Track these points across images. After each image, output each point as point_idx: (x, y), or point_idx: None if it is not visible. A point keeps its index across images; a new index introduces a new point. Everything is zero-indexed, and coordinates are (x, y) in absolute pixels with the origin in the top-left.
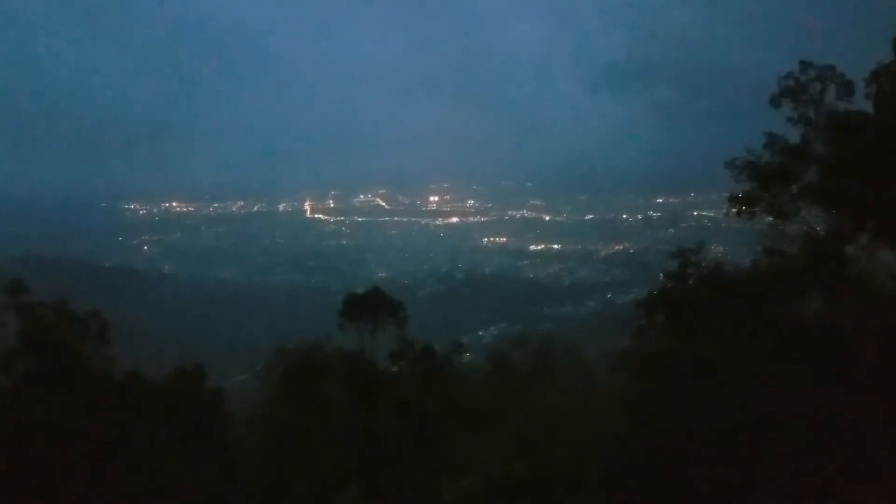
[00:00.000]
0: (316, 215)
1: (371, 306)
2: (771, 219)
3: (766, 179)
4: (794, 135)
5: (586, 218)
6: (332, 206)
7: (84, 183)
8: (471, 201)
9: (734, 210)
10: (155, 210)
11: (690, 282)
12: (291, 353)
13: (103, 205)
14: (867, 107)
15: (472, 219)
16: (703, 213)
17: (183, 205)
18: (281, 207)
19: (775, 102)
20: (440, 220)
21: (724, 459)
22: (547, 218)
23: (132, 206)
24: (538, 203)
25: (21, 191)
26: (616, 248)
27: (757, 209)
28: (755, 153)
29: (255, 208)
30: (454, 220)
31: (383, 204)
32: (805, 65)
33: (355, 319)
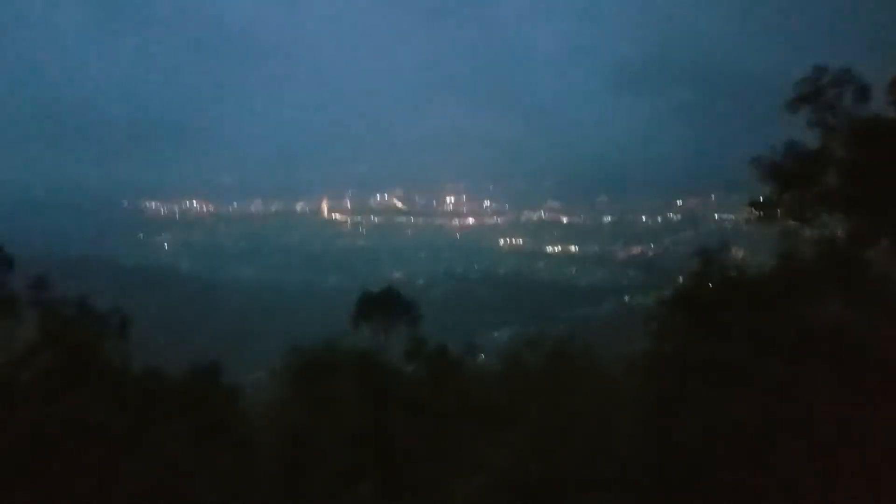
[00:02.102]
0: (333, 215)
1: (385, 306)
2: (791, 222)
3: (787, 182)
4: (813, 139)
5: (604, 220)
6: (348, 206)
7: (105, 181)
8: (487, 202)
9: (755, 214)
10: (175, 209)
11: (711, 283)
12: (306, 351)
13: (124, 203)
14: (885, 109)
15: (488, 220)
16: (723, 216)
17: (202, 204)
18: (298, 207)
19: (792, 107)
20: (456, 220)
21: (741, 463)
22: (564, 219)
23: (152, 205)
24: (555, 204)
25: (42, 189)
26: (634, 250)
27: (778, 211)
28: (779, 154)
29: (273, 208)
30: (470, 220)
31: (400, 204)
32: (819, 69)
33: (369, 319)
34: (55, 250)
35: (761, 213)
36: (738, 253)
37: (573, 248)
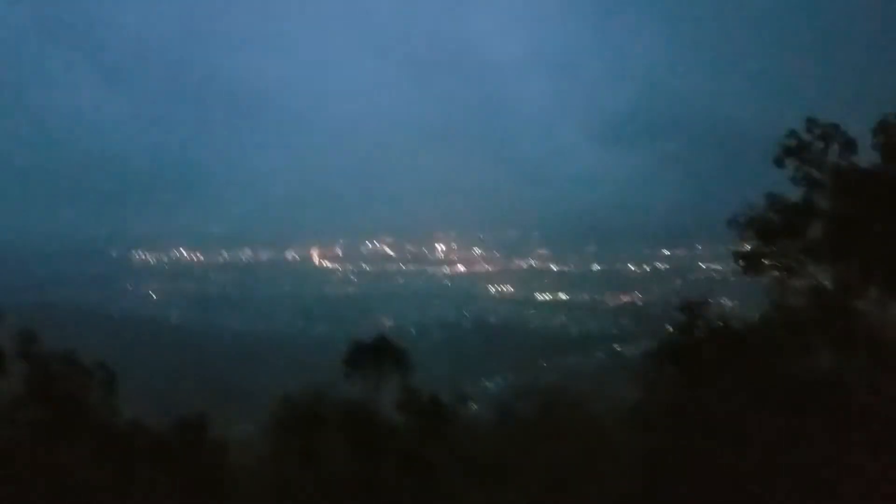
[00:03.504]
0: (323, 263)
1: (376, 355)
2: (777, 273)
3: (771, 236)
4: (796, 193)
5: (593, 268)
6: (339, 254)
7: (94, 231)
8: (477, 250)
9: (740, 267)
10: (164, 258)
11: (698, 335)
12: (295, 402)
13: (113, 253)
14: (871, 161)
15: (478, 268)
16: (711, 266)
17: (191, 253)
18: (289, 255)
19: (779, 162)
20: (447, 268)
21: None
22: (554, 268)
23: (141, 255)
24: (545, 253)
25: (31, 238)
26: (623, 299)
27: (763, 263)
28: (757, 210)
29: (263, 257)
30: (461, 268)
31: (390, 252)
32: (811, 122)
33: (359, 368)
34: (42, 300)
35: (746, 264)
36: (726, 303)
37: (563, 296)
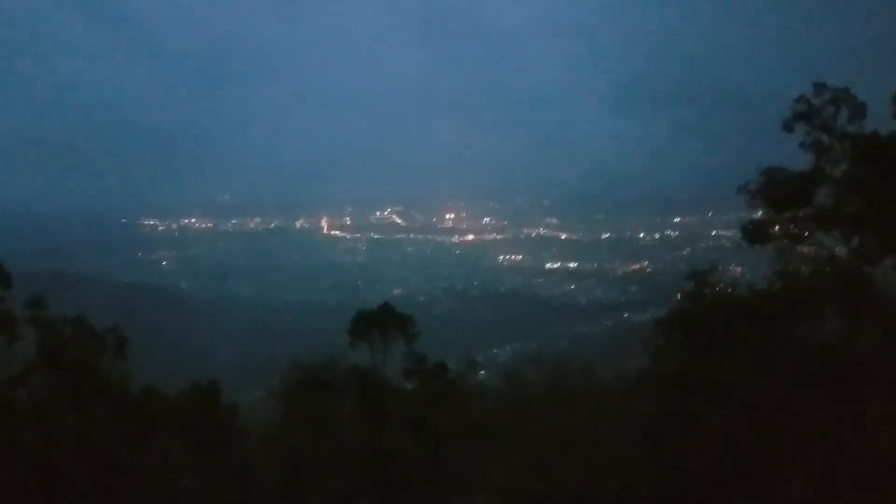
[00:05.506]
0: (332, 232)
1: (381, 322)
2: (785, 242)
3: (780, 204)
4: (805, 158)
5: (603, 236)
6: (348, 222)
7: (104, 199)
8: (487, 219)
9: (747, 240)
10: (174, 226)
11: (706, 303)
12: (305, 369)
13: (123, 221)
14: (878, 128)
15: (487, 236)
16: (721, 233)
17: (201, 221)
18: (298, 224)
19: (788, 127)
20: (456, 237)
21: (740, 481)
22: (563, 236)
23: (151, 222)
24: (554, 221)
25: (42, 206)
26: (632, 266)
27: (771, 232)
28: (767, 175)
29: (273, 225)
30: (470, 237)
31: (399, 221)
32: (819, 87)
33: (365, 336)
34: (54, 267)
35: (754, 238)
36: (735, 270)
37: (572, 265)
